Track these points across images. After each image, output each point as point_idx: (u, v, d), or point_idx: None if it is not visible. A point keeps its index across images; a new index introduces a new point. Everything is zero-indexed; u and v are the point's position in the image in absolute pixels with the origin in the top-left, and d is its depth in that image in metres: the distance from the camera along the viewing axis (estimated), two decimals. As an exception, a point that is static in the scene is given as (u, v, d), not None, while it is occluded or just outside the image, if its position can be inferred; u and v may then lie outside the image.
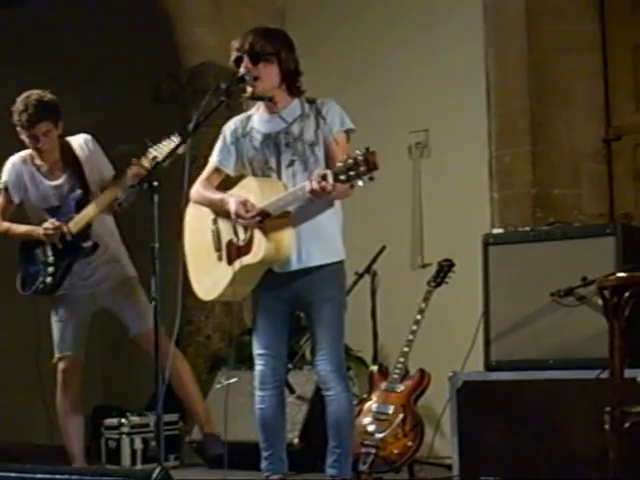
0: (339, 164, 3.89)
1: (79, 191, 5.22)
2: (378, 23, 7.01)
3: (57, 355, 5.32)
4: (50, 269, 5.23)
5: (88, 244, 5.19)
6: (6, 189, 5.35)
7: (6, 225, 5.34)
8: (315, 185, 3.93)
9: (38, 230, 5.20)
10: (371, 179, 3.81)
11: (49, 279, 5.23)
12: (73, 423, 5.39)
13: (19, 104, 5.17)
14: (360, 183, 3.84)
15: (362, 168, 3.80)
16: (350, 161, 3.83)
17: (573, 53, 6.37)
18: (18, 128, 5.19)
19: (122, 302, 5.32)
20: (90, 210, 5.16)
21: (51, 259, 5.23)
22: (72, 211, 5.20)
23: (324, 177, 3.91)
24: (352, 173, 3.82)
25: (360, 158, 3.80)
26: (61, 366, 5.30)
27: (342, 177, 3.86)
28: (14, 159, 5.38)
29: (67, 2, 8.14)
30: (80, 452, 5.41)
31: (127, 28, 8.04)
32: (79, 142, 5.32)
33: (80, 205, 5.19)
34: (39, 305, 5.40)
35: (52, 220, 5.17)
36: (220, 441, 5.25)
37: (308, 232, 4.22)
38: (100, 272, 5.29)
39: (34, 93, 5.19)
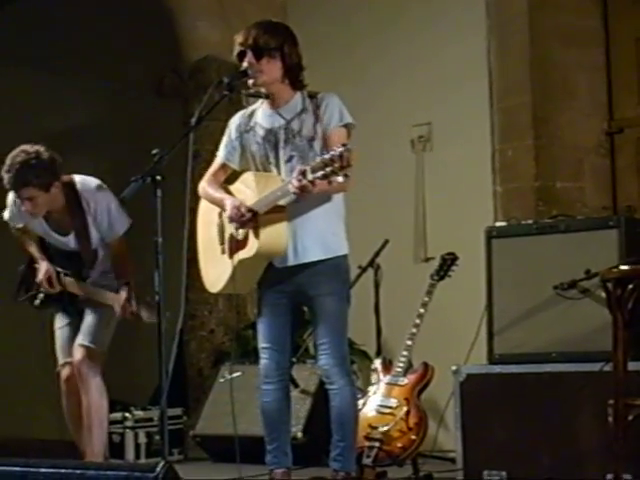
0: (317, 160, 3.90)
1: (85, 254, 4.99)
2: (380, 17, 7.01)
3: (59, 363, 5.11)
4: (41, 295, 5.12)
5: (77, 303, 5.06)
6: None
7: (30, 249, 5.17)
8: (296, 183, 3.94)
9: (41, 270, 5.04)
10: (346, 176, 3.82)
11: (37, 302, 5.12)
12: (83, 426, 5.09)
13: (7, 160, 4.73)
14: (339, 179, 3.84)
15: (336, 165, 3.80)
16: (327, 157, 3.84)
17: (575, 47, 6.37)
18: None
19: (87, 311, 5.08)
20: (76, 288, 5.01)
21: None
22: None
23: (303, 174, 3.92)
24: (328, 169, 3.82)
25: (336, 155, 3.81)
26: (63, 374, 5.08)
27: (319, 173, 3.86)
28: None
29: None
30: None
31: (129, 22, 8.04)
32: (86, 194, 4.92)
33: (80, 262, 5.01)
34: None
35: (49, 272, 5.00)
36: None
37: (303, 227, 4.23)
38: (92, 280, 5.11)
39: (22, 152, 4.73)
